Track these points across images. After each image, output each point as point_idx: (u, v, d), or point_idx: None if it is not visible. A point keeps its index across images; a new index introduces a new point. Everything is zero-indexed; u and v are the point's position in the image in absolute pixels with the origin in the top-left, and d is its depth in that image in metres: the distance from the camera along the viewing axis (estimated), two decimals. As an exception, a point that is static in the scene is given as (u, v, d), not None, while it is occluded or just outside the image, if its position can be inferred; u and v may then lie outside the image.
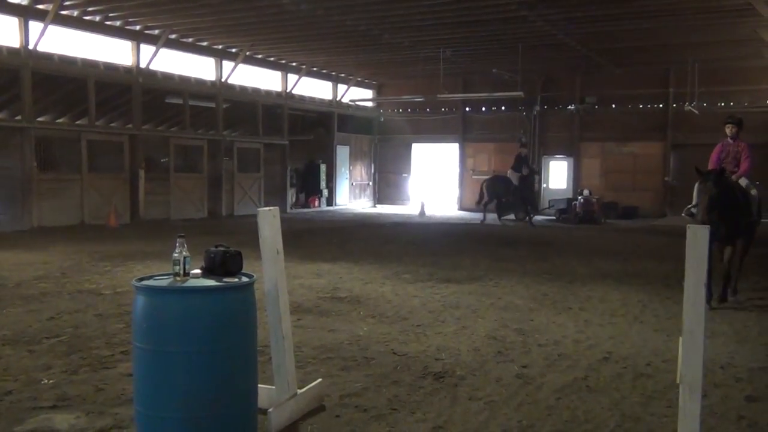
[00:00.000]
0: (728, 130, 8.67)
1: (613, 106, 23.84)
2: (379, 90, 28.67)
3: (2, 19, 15.83)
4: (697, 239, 3.66)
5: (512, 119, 25.43)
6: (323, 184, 26.34)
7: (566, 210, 21.98)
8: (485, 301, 8.20)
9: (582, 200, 21.60)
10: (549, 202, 23.85)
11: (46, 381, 5.02)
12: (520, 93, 21.28)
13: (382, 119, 28.63)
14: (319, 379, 4.78)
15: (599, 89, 24.19)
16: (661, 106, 23.23)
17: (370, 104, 28.08)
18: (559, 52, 20.37)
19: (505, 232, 18.13)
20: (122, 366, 5.37)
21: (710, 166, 8.43)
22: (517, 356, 5.83)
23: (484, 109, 26.10)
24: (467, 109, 26.43)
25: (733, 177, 8.31)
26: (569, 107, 24.70)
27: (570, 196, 23.32)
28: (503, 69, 22.29)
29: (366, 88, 28.16)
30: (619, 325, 7.05)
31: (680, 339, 3.79)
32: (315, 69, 24.65)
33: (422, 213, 23.01)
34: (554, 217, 22.48)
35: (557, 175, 25.50)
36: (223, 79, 21.41)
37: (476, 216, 22.15)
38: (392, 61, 22.91)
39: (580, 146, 24.69)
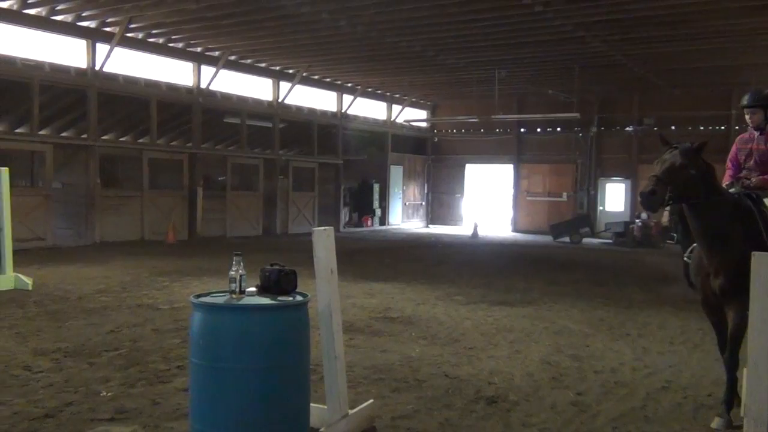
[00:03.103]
0: (749, 117, 5.29)
1: (673, 127, 23.30)
2: (433, 110, 28.74)
3: (71, 41, 16.48)
4: (763, 267, 3.55)
5: (568, 140, 25.15)
6: (376, 203, 26.46)
7: (623, 233, 21.51)
8: (539, 325, 8.07)
9: (640, 223, 21.12)
10: (605, 225, 23.42)
11: (104, 393, 5.14)
12: (577, 114, 21.05)
13: (436, 139, 28.67)
14: (371, 400, 4.76)
15: (658, 110, 23.74)
16: (723, 128, 22.60)
17: (424, 124, 28.17)
18: (617, 72, 20.10)
19: (560, 255, 17.85)
20: (178, 381, 5.46)
21: (727, 174, 5.46)
22: (572, 383, 5.71)
23: (539, 130, 25.89)
24: (522, 129, 26.25)
25: (749, 181, 5.21)
26: (627, 128, 24.29)
27: (627, 219, 22.83)
28: (559, 90, 22.10)
29: (420, 108, 28.26)
30: (679, 353, 6.84)
31: (744, 370, 3.67)
32: (370, 89, 24.89)
33: (475, 234, 22.86)
34: (611, 241, 22.03)
35: (614, 197, 25.04)
36: (279, 100, 21.79)
37: (531, 238, 21.90)
38: (447, 82, 22.99)
39: (638, 168, 24.19)
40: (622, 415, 4.92)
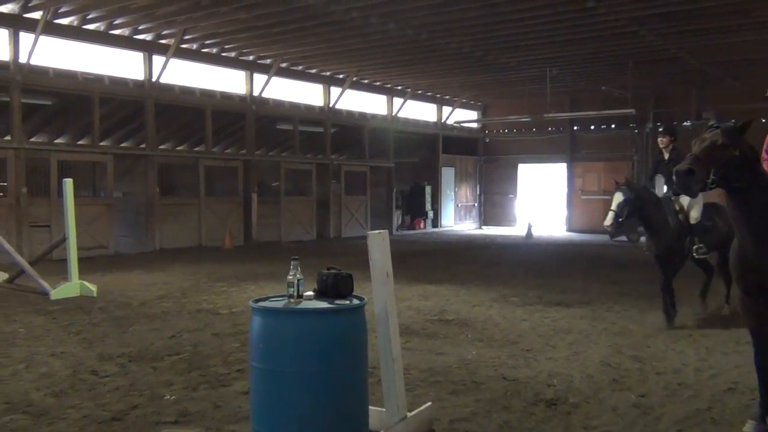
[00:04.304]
0: None
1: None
2: (484, 111, 28.55)
3: (129, 54, 16.97)
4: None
5: (623, 137, 24.63)
6: (428, 205, 26.42)
7: (683, 231, 20.92)
8: (597, 326, 7.94)
9: (700, 220, 20.54)
10: (664, 222, 22.83)
11: (168, 397, 5.27)
12: (632, 110, 20.61)
13: (488, 140, 28.47)
14: (429, 403, 4.76)
15: (717, 104, 23.03)
16: (786, 119, 21.80)
17: (475, 125, 28.01)
18: (673, 66, 19.62)
19: (617, 254, 17.51)
20: (238, 384, 5.56)
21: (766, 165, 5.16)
22: (633, 384, 5.60)
23: (593, 127, 25.43)
24: (575, 127, 25.84)
25: None
26: (684, 123, 23.65)
27: (687, 216, 22.21)
28: (612, 86, 21.68)
29: (471, 109, 28.12)
30: (746, 354, 6.58)
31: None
32: (420, 92, 24.89)
33: (529, 234, 22.60)
34: (670, 238, 21.48)
35: (672, 194, 24.43)
36: (330, 105, 21.98)
37: (587, 237, 21.47)
38: (497, 82, 22.81)
39: (697, 164, 23.52)
40: (687, 417, 4.80)
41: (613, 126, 24.73)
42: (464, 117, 27.51)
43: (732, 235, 7.34)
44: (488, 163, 28.54)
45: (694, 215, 8.16)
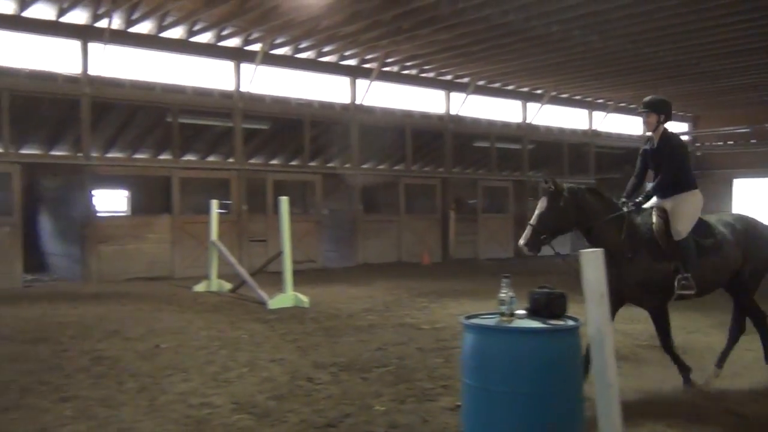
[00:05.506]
0: None
1: None
2: (694, 122, 26.67)
3: (335, 79, 18.00)
4: None
5: None
6: (631, 223, 25.07)
7: None
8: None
9: None
10: None
11: (378, 408, 5.43)
12: None
13: (699, 153, 26.52)
14: (647, 433, 4.48)
15: None
16: None
17: (685, 138, 26.23)
18: None
19: None
20: (444, 400, 5.59)
21: None
22: None
23: (825, 136, 22.78)
24: (803, 138, 23.31)
25: None
26: None
27: None
28: None
29: (680, 120, 26.39)
30: None
31: None
32: (622, 105, 23.80)
33: (748, 255, 20.62)
34: None
35: None
36: (527, 121, 21.70)
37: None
38: (709, 91, 21.24)
39: None
40: None
41: None
42: (672, 129, 25.84)
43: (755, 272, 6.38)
44: (699, 178, 26.48)
45: (679, 228, 5.83)
